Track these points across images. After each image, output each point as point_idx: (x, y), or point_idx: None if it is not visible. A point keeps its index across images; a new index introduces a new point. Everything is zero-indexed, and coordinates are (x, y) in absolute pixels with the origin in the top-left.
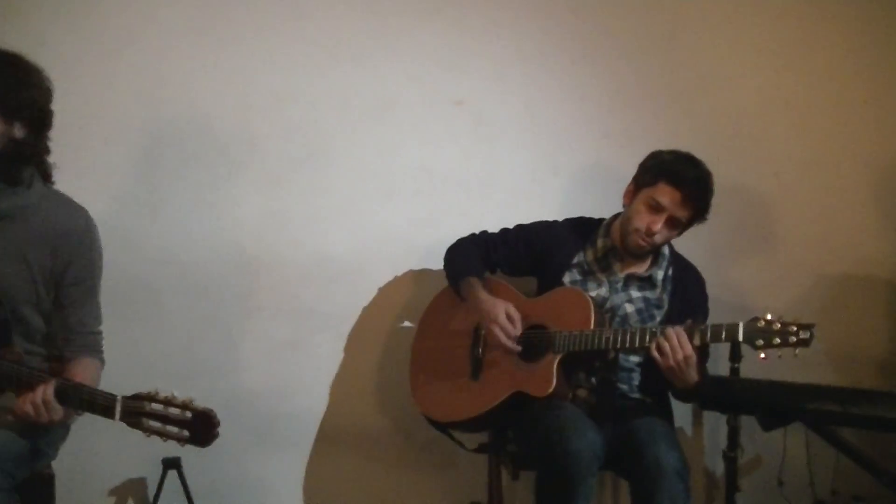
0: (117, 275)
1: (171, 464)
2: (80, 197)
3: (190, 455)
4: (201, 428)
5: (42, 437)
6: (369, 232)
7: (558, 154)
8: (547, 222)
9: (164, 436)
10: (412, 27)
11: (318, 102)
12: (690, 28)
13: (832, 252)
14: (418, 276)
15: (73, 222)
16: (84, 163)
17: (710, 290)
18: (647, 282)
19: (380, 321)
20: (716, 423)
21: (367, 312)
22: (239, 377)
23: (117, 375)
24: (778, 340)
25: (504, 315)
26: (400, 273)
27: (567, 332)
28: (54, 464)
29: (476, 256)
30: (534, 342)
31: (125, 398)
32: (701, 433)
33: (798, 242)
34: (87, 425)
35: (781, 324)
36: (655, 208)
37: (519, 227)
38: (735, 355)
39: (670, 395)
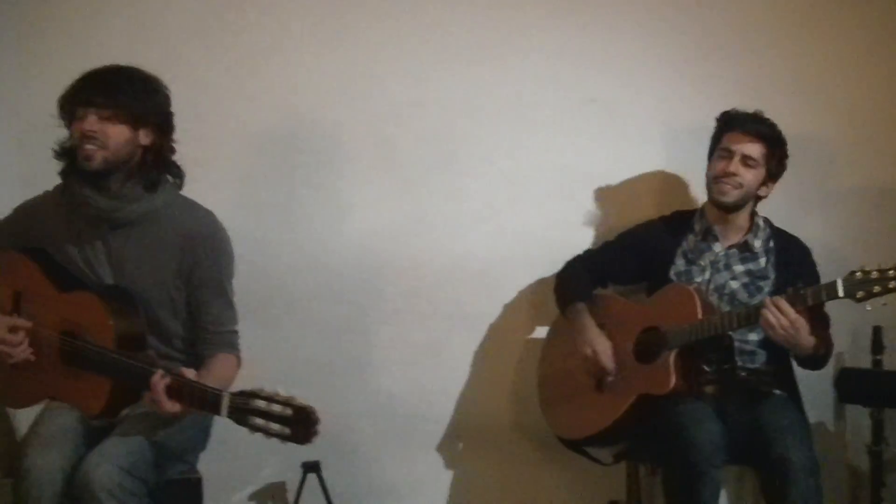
0: (255, 281)
1: (311, 467)
2: (218, 206)
3: (329, 458)
4: (301, 425)
5: (175, 444)
6: (504, 234)
7: (690, 149)
8: (646, 223)
9: (267, 433)
10: (543, 27)
11: (450, 107)
12: (819, 20)
13: None
14: (552, 278)
15: (197, 225)
16: (222, 173)
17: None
18: (746, 251)
19: (515, 322)
20: (859, 417)
21: (503, 314)
22: (378, 381)
23: (255, 381)
24: (878, 288)
25: (590, 350)
26: (535, 274)
27: (677, 327)
28: (199, 468)
29: (582, 280)
30: (649, 344)
31: (232, 394)
32: (844, 427)
33: None
34: (229, 431)
35: (878, 271)
36: (726, 156)
37: (621, 236)
38: (877, 347)
39: (795, 363)
